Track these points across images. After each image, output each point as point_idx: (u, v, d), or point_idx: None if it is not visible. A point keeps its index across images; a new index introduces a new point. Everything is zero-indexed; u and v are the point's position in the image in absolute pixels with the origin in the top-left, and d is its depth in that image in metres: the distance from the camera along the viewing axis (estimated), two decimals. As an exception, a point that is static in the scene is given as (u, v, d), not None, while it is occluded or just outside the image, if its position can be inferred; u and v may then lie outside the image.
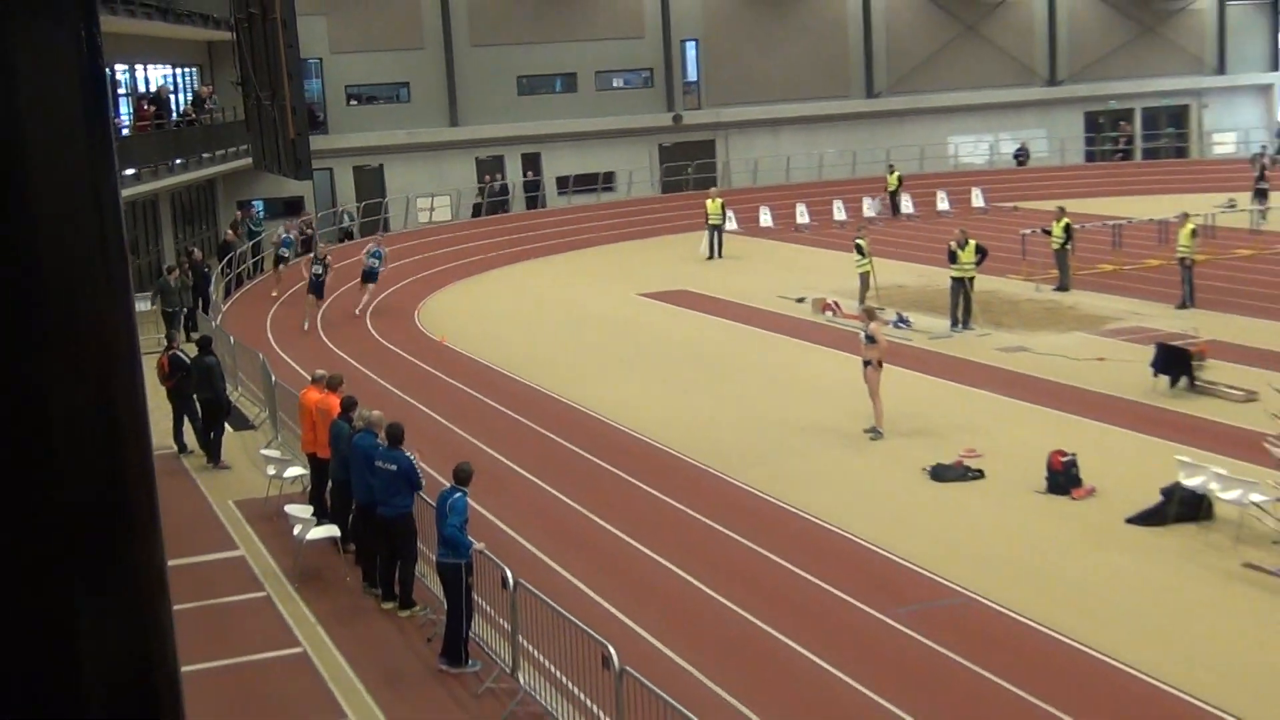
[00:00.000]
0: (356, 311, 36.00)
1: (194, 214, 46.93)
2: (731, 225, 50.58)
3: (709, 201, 46.24)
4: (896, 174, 53.75)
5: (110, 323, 1.64)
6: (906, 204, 53.76)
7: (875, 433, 22.78)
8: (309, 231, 48.74)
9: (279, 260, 40.22)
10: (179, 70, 47.59)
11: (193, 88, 48.14)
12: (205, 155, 43.01)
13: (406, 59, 53.89)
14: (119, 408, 1.66)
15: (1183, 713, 13.12)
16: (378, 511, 16.38)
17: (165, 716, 1.73)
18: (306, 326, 34.64)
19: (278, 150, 20.57)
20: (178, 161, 39.64)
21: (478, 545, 14.91)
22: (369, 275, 36.35)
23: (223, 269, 40.07)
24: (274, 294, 39.41)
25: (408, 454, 16.05)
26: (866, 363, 22.93)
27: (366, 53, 53.01)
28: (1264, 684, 13.60)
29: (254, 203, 50.07)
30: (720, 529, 18.89)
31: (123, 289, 1.68)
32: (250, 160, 40.50)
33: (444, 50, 53.97)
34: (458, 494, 14.65)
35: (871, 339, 22.98)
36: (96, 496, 1.65)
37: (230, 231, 45.27)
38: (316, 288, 34.90)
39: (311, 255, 35.74)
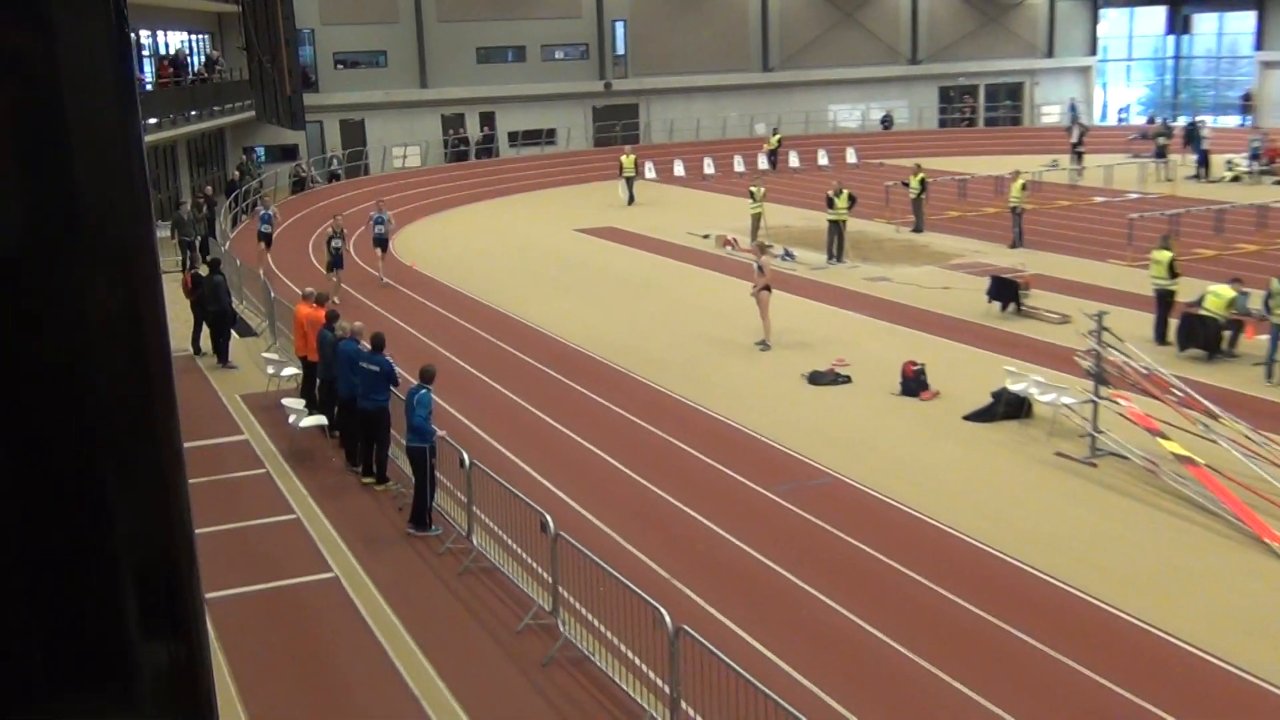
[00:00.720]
0: (383, 281, 30.41)
1: (206, 157, 46.28)
2: (650, 174, 50.54)
3: (623, 157, 45.34)
4: (778, 136, 53.66)
5: (135, 242, 1.64)
6: (793, 159, 53.73)
7: (764, 345, 22.91)
8: (302, 174, 48.25)
9: (262, 237, 32.39)
10: (193, 36, 46.63)
11: (205, 51, 47.21)
12: (215, 108, 42.32)
13: (384, 31, 53.20)
14: (142, 311, 1.66)
15: (999, 569, 13.39)
16: (359, 404, 16.37)
17: (182, 570, 1.74)
18: (338, 300, 26.10)
19: (277, 105, 20.27)
20: (192, 113, 39.02)
21: (440, 432, 14.94)
22: (380, 241, 30.68)
23: (230, 204, 39.48)
24: (261, 272, 33.04)
25: (388, 357, 16.05)
26: (758, 288, 23.04)
27: (351, 25, 52.36)
28: (1066, 545, 13.89)
29: (256, 148, 49.50)
30: (637, 421, 19.01)
31: (146, 215, 1.68)
32: (253, 113, 39.89)
33: (415, 24, 53.31)
34: (423, 390, 14.65)
35: (762, 269, 23.08)
36: (124, 384, 1.65)
37: (237, 172, 44.78)
38: (337, 260, 28.22)
39: (330, 231, 28.74)
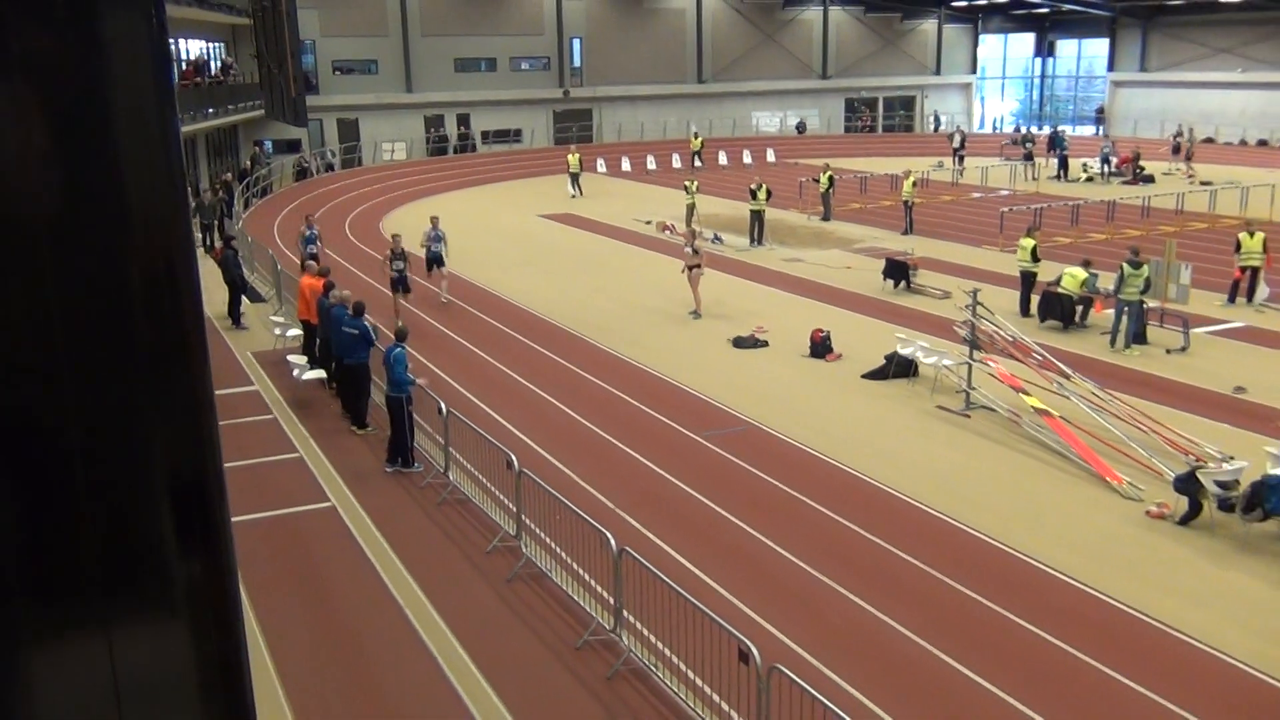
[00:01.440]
0: (443, 300, 24.56)
1: (222, 149, 45.58)
2: (602, 169, 50.33)
3: (569, 156, 44.37)
4: (700, 139, 53.27)
5: (173, 217, 1.64)
6: (722, 158, 53.69)
7: (695, 315, 22.97)
8: (305, 164, 47.67)
9: (309, 261, 22.23)
10: (211, 44, 45.76)
11: (221, 58, 46.40)
12: (230, 107, 41.61)
13: (375, 42, 52.51)
14: (179, 274, 1.66)
15: (890, 501, 13.59)
16: (344, 361, 16.35)
17: (214, 498, 1.76)
18: (401, 324, 19.58)
19: (283, 104, 19.99)
20: (210, 110, 38.35)
21: (420, 381, 14.90)
22: (435, 260, 24.49)
23: (243, 189, 38.90)
24: (271, 251, 27.18)
25: (365, 321, 15.97)
26: (690, 267, 23.06)
27: (347, 37, 51.65)
28: (944, 481, 14.11)
29: (265, 141, 48.80)
30: (587, 376, 19.03)
31: (182, 195, 1.68)
32: (263, 111, 39.21)
33: (403, 37, 52.65)
34: (398, 349, 14.63)
35: (696, 251, 23.10)
36: (166, 335, 1.67)
37: (249, 162, 44.18)
38: (401, 282, 22.52)
39: (389, 253, 22.48)
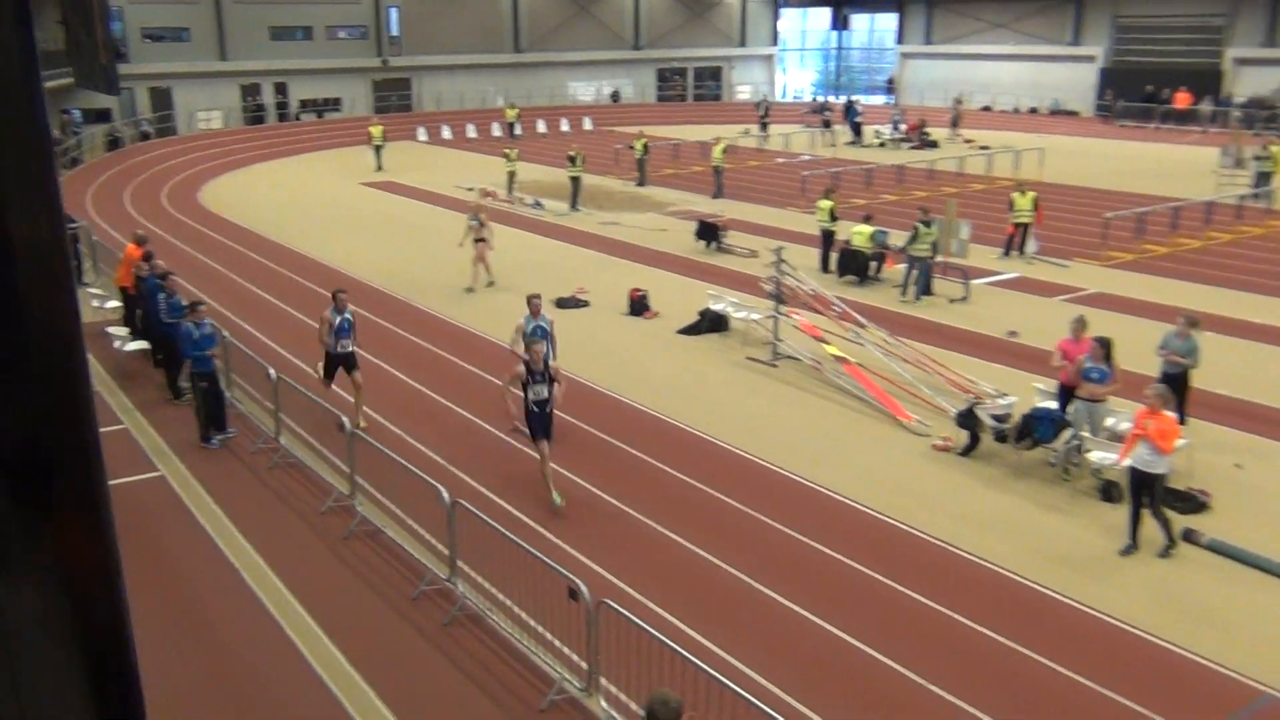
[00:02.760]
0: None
1: (26, 119, 42.79)
2: (423, 137, 49.39)
3: (372, 128, 41.69)
4: (516, 109, 52.82)
5: (44, 181, 1.64)
6: (541, 126, 53.48)
7: (480, 286, 22.39)
8: (117, 134, 45.13)
9: (337, 363, 14.47)
10: (9, 10, 42.76)
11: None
12: (33, 75, 39.07)
13: (188, 9, 49.93)
14: (48, 234, 1.63)
15: (704, 445, 14.01)
16: (158, 331, 15.83)
17: (91, 453, 1.79)
18: (561, 503, 12.10)
19: (93, 73, 18.96)
20: (11, 79, 35.91)
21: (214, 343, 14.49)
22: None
23: (51, 159, 36.63)
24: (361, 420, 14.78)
25: (169, 291, 15.41)
26: (477, 239, 22.30)
27: (156, 4, 48.91)
28: (753, 426, 14.64)
29: (73, 110, 45.98)
30: (409, 336, 18.87)
31: (49, 160, 1.65)
32: (68, 79, 36.85)
33: (214, 4, 50.22)
34: (187, 324, 14.11)
35: (481, 224, 22.44)
36: (40, 297, 1.65)
37: (58, 132, 41.61)
38: (544, 427, 12.30)
39: (522, 372, 12.14)
